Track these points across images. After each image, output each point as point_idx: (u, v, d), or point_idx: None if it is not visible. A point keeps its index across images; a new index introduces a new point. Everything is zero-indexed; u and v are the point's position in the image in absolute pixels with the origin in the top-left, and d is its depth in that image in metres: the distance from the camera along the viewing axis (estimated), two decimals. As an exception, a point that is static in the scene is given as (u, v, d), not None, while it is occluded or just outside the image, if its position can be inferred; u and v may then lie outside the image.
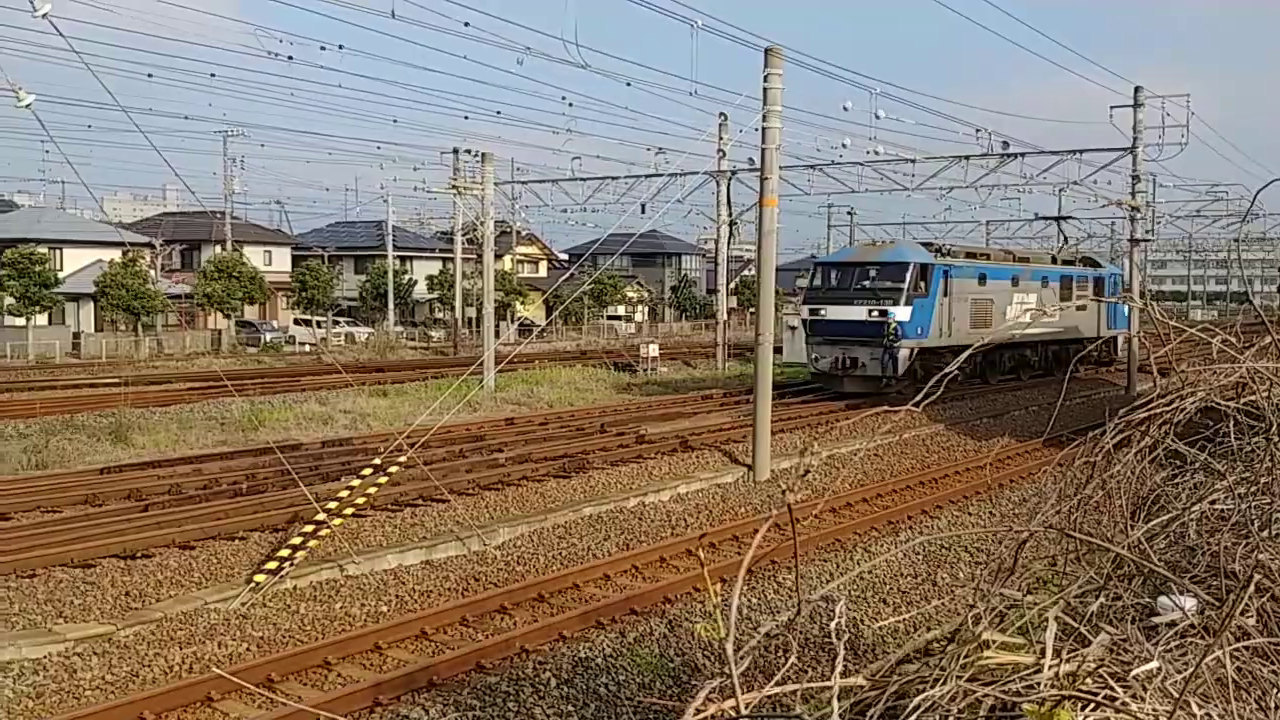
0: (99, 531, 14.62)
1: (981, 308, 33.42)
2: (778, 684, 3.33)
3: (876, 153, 39.09)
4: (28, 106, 10.99)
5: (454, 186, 44.72)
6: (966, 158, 37.42)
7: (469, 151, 44.98)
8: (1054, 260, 40.67)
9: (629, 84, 32.71)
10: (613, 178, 44.37)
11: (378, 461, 16.36)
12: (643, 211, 43.01)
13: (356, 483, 15.59)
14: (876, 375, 30.54)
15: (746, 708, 3.14)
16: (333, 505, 14.71)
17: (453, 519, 16.20)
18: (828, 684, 3.28)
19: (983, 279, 33.87)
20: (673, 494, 19.30)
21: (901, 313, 30.59)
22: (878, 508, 18.66)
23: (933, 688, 3.30)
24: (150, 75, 63.77)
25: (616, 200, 44.66)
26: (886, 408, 27.39)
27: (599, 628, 12.05)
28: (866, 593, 13.29)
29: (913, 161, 39.44)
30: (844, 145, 40.65)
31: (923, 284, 30.91)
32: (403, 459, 16.39)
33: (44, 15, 11.10)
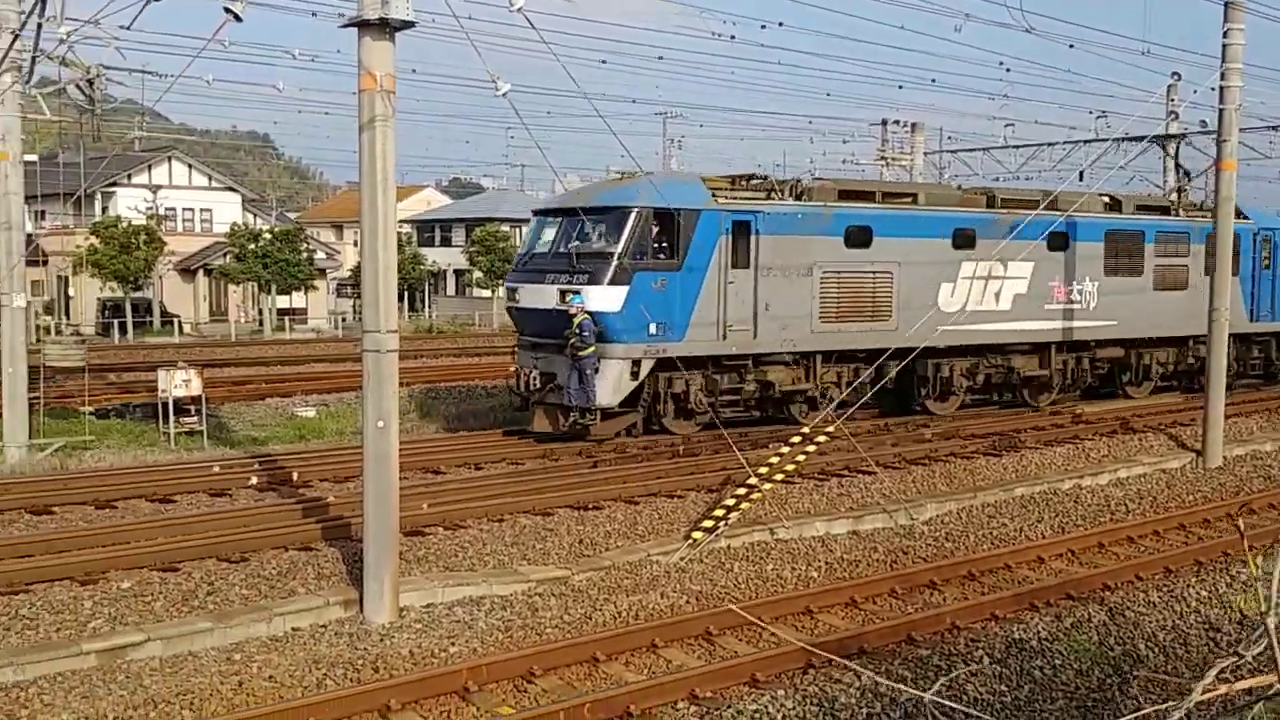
0: (556, 484, 15.97)
1: (856, 288, 20.36)
2: None
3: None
4: (504, 95, 12.11)
5: (882, 158, 44.42)
6: None
7: (897, 122, 44.53)
8: (1111, 207, 24.83)
9: (1071, 46, 30.94)
10: (1049, 144, 42.26)
11: (806, 430, 16.71)
12: (1080, 179, 40.74)
13: (785, 450, 16.02)
14: (569, 406, 18.46)
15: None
16: (763, 470, 15.21)
17: (879, 491, 16.27)
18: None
19: (859, 236, 20.37)
20: (1111, 478, 18.36)
21: (601, 297, 18.08)
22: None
23: None
24: (604, 61, 67.71)
25: (1052, 167, 42.50)
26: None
27: (1033, 610, 11.75)
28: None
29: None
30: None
31: (666, 245, 18.67)
32: (830, 429, 16.65)
33: (519, 9, 12.15)
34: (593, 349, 17.92)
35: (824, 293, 19.95)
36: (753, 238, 19.07)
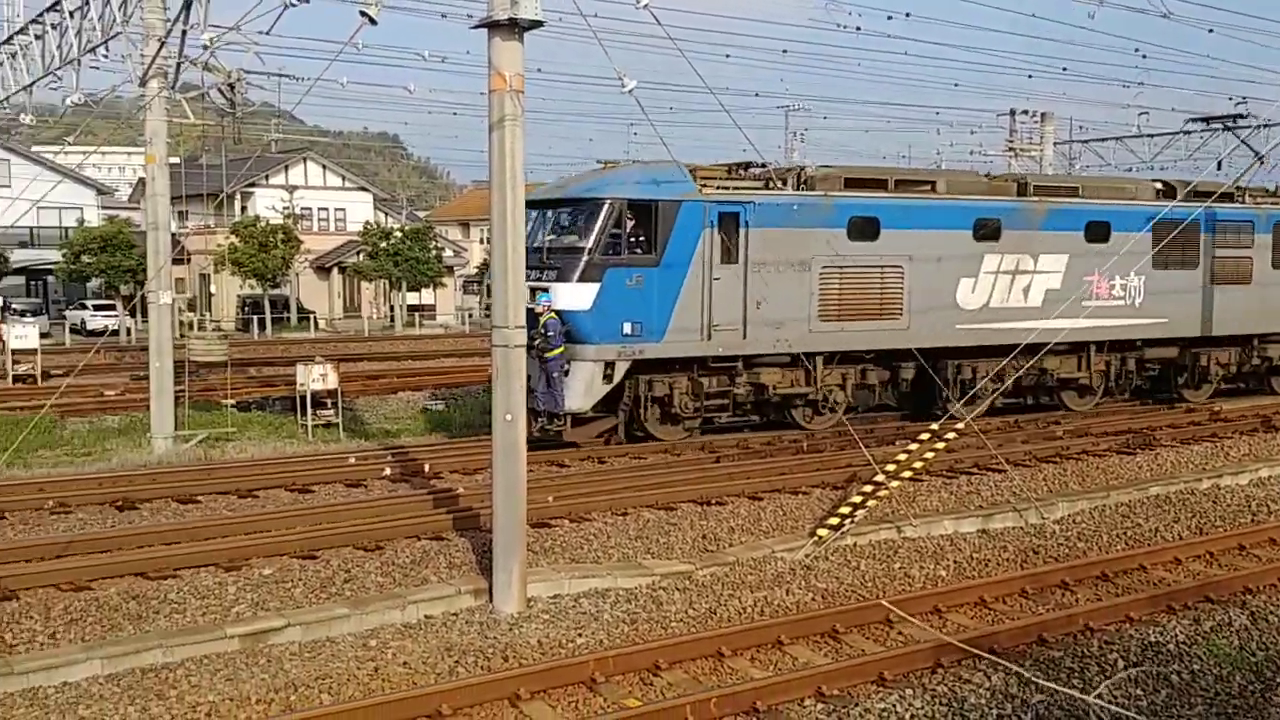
0: (678, 479, 16.04)
1: (860, 283, 19.12)
2: None
3: None
4: (630, 91, 12.22)
5: (1010, 148, 43.49)
6: None
7: (1026, 112, 43.55)
8: (1160, 194, 22.45)
9: (1211, 30, 29.81)
10: (1184, 132, 40.87)
11: (935, 427, 16.49)
12: (1219, 168, 39.33)
13: (914, 447, 15.82)
14: (542, 412, 17.50)
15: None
16: (890, 467, 15.06)
17: (1009, 489, 15.96)
18: None
19: (864, 227, 19.07)
20: (1253, 478, 17.69)
21: (570, 294, 17.22)
22: None
23: None
24: (728, 55, 67.46)
25: (1188, 156, 41.13)
26: None
27: (1169, 612, 11.41)
28: None
29: None
30: None
31: (643, 239, 17.57)
32: (960, 426, 16.40)
33: (644, 6, 12.24)
34: (560, 350, 17.12)
35: (824, 289, 18.66)
36: (741, 231, 17.84)
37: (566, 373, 17.19)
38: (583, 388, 17.28)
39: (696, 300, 17.54)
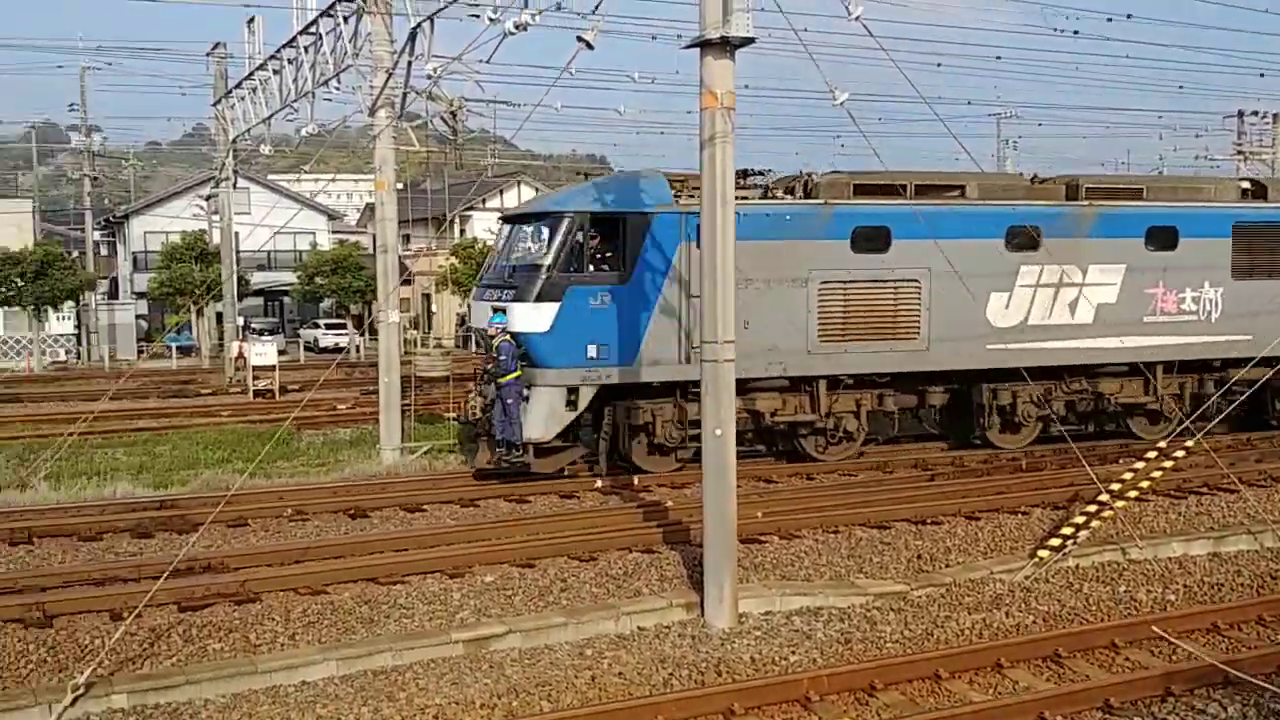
0: (891, 497, 15.80)
1: (868, 300, 17.38)
2: None
3: None
4: (841, 104, 12.17)
5: (1239, 151, 41.14)
6: None
7: (1255, 113, 41.13)
8: (1248, 195, 20.15)
9: None
10: None
11: (1162, 444, 15.75)
12: None
13: (1140, 465, 15.15)
14: (501, 441, 16.35)
15: None
16: (1115, 487, 14.46)
17: (1242, 511, 15.08)
18: None
19: (871, 238, 17.33)
20: None
21: (527, 315, 16.14)
22: None
23: None
24: (939, 65, 66.17)
25: None
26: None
27: None
28: None
29: None
30: None
31: (611, 254, 16.43)
32: (1189, 443, 15.60)
33: (856, 18, 12.18)
34: (516, 375, 16.10)
35: (824, 307, 17.04)
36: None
37: (525, 399, 16.22)
38: (543, 415, 16.17)
39: (673, 320, 16.24)
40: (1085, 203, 18.55)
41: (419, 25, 18.15)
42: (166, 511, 15.19)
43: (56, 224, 76.48)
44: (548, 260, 16.22)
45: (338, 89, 22.06)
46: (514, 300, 16.31)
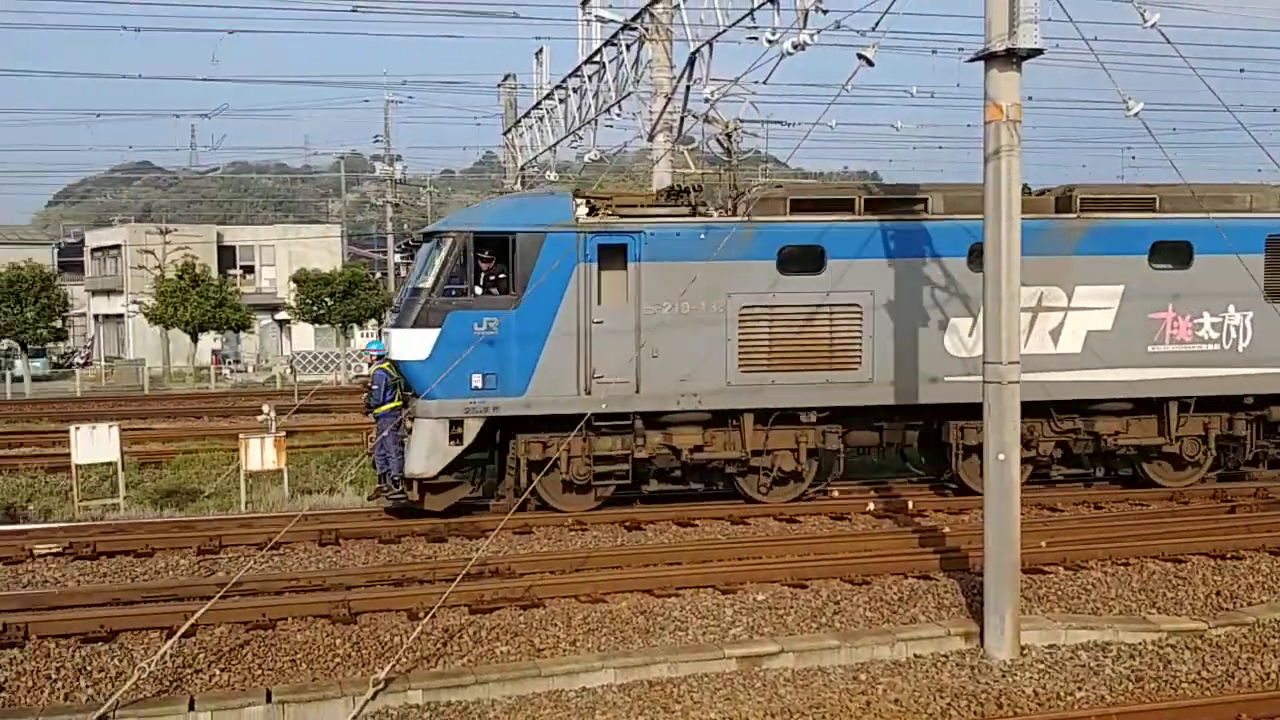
0: (1187, 529, 14.87)
1: (799, 326, 15.64)
2: None
3: None
4: (1135, 115, 11.59)
5: None
6: None
7: None
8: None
9: None
10: None
11: None
12: None
13: None
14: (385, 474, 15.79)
15: None
16: None
17: None
18: None
19: (803, 258, 15.64)
20: None
21: (406, 342, 15.20)
22: None
23: None
24: (1242, 70, 62.16)
25: None
26: None
27: None
28: None
29: None
30: None
31: (502, 277, 15.25)
32: None
33: (1152, 25, 11.61)
34: (393, 405, 15.59)
35: (745, 334, 15.59)
36: (631, 265, 15.22)
37: (407, 430, 15.42)
38: (425, 449, 15.12)
39: (570, 347, 15.18)
40: (1073, 215, 16.29)
41: (698, 50, 18.52)
42: (459, 518, 16.01)
43: (362, 247, 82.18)
44: (428, 283, 15.37)
45: (619, 115, 22.78)
46: (394, 326, 15.66)
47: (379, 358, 16.30)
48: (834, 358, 15.79)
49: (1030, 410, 14.83)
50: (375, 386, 16.03)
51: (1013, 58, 10.70)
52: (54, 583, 13.06)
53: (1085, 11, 12.13)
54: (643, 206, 16.14)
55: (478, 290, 15.27)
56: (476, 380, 14.95)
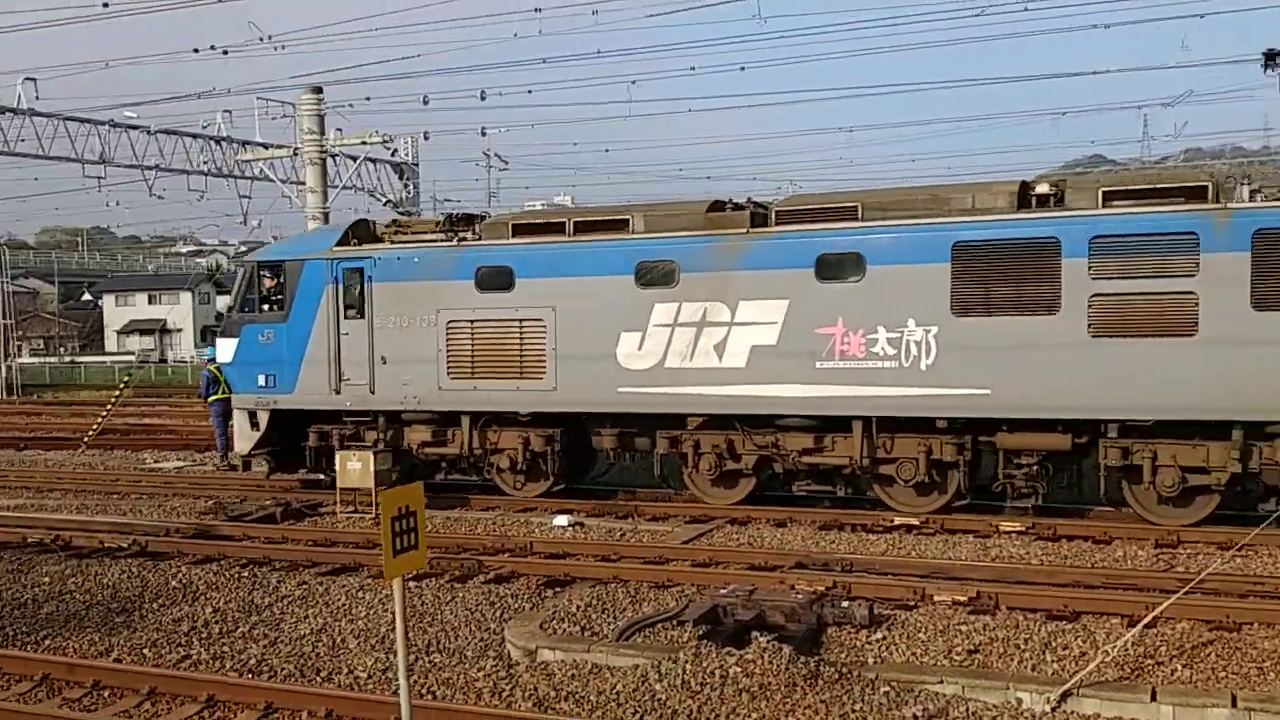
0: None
1: (494, 338, 17.19)
2: None
3: None
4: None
5: None
6: None
7: None
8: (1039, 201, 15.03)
9: None
10: None
11: None
12: None
13: None
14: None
15: None
16: None
17: None
18: None
19: (495, 279, 17.12)
20: None
21: (221, 349, 19.79)
22: None
23: None
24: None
25: None
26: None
27: None
28: None
29: None
30: None
31: (279, 297, 18.72)
32: None
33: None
34: (218, 398, 21.06)
35: (451, 344, 17.47)
36: (366, 286, 17.93)
37: (226, 418, 20.67)
38: (240, 433, 19.36)
39: (324, 354, 18.21)
40: (741, 231, 16.02)
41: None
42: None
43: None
44: (231, 301, 20.63)
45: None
46: (219, 336, 20.08)
47: (209, 360, 21.50)
48: (524, 367, 17.15)
49: (720, 422, 16.35)
50: (202, 384, 22.37)
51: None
52: (1018, 559, 13.41)
53: None
54: (412, 234, 18.70)
55: (264, 308, 18.96)
56: (261, 379, 18.76)
